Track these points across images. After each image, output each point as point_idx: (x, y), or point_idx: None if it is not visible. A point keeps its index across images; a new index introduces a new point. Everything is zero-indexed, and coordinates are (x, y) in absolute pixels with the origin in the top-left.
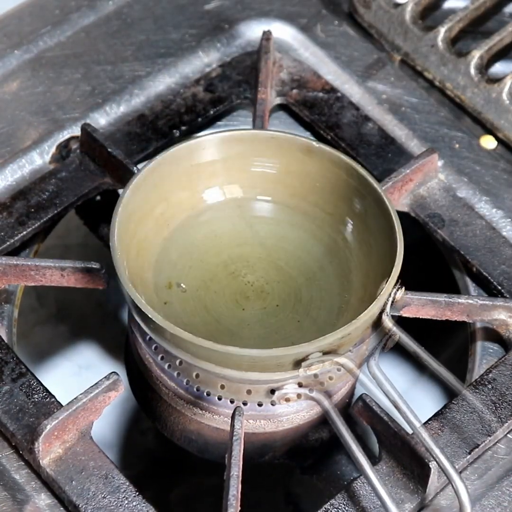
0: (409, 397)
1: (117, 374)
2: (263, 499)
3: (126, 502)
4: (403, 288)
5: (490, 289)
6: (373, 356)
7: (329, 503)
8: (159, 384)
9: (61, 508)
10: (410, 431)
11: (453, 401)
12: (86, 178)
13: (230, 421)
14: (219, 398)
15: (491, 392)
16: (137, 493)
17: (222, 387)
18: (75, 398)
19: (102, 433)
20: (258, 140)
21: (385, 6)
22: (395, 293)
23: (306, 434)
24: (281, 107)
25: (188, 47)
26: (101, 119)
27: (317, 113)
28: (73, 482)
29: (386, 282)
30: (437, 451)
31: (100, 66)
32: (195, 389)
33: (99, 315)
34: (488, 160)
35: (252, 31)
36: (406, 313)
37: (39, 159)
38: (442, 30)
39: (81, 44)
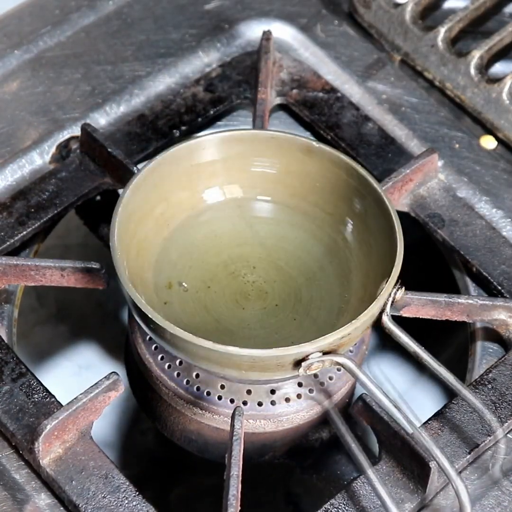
0: (409, 397)
1: (117, 374)
2: (263, 499)
3: (126, 502)
4: (403, 288)
5: (490, 289)
6: (386, 311)
7: (329, 503)
8: (159, 384)
9: (61, 508)
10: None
11: (453, 401)
12: (86, 178)
13: (230, 421)
14: (219, 398)
15: (491, 392)
16: (137, 493)
17: (222, 387)
18: (75, 398)
19: (102, 433)
20: (258, 140)
21: (385, 6)
22: (395, 293)
23: (306, 434)
24: (281, 107)
25: (188, 47)
26: (101, 119)
27: (317, 113)
28: (73, 482)
29: (386, 282)
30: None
31: (100, 66)
32: (195, 389)
33: (99, 315)
34: (488, 160)
35: (252, 31)
36: (406, 313)
37: (39, 159)
38: (442, 30)
39: (81, 44)
